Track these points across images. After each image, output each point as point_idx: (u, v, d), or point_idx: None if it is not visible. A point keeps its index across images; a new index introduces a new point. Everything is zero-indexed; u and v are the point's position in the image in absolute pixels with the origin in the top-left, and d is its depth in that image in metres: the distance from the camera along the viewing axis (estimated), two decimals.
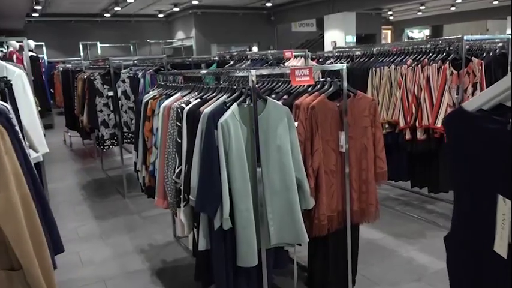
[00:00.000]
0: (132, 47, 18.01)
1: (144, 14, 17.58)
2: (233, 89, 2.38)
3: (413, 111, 3.56)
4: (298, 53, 6.06)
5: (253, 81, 2.18)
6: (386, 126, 3.85)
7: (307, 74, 2.34)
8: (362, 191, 2.65)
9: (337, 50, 4.81)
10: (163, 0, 14.58)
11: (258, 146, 2.22)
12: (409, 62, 3.67)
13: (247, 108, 2.23)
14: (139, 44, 18.38)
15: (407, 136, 3.66)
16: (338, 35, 14.55)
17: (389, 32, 23.98)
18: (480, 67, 3.48)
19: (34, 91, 3.65)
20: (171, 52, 19.05)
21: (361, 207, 2.67)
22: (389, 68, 3.80)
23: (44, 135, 4.84)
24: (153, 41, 18.67)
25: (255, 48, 16.33)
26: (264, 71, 2.40)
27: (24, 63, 9.20)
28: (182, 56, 15.01)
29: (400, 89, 3.66)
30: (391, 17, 22.76)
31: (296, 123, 2.44)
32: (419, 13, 21.02)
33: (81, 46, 16.32)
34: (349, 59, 4.53)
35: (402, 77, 3.65)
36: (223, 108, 2.20)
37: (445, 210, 4.19)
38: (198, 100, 2.50)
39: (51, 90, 11.44)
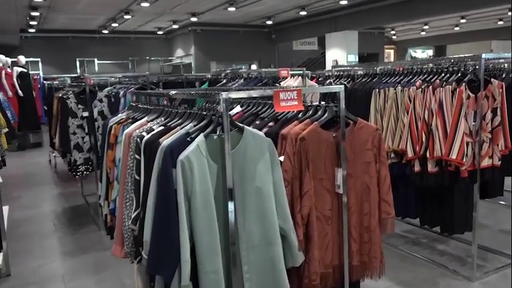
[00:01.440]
0: (130, 64, 17.70)
1: (143, 31, 17.33)
2: (202, 115, 1.91)
3: (424, 139, 3.08)
4: (295, 72, 5.63)
5: (225, 106, 1.71)
6: (392, 155, 3.36)
7: (295, 97, 1.87)
8: (364, 240, 2.15)
9: (337, 68, 4.35)
10: (162, 17, 14.31)
11: (231, 189, 1.74)
12: (418, 83, 3.20)
13: (217, 140, 1.76)
14: (138, 61, 18.09)
15: (416, 168, 3.16)
16: (340, 54, 14.19)
17: (392, 51, 23.70)
18: (501, 90, 3.01)
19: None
20: (170, 69, 18.75)
21: (363, 261, 2.16)
22: (395, 89, 3.33)
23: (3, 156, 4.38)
24: (152, 58, 18.40)
25: (254, 67, 15.99)
26: (240, 94, 1.93)
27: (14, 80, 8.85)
28: (181, 73, 14.68)
29: (408, 114, 3.18)
30: (394, 37, 22.50)
31: (282, 158, 1.96)
32: (423, 33, 20.75)
33: (78, 62, 16.01)
34: (350, 79, 4.08)
35: (410, 100, 3.18)
36: (185, 141, 1.73)
37: (458, 251, 3.67)
38: (162, 128, 2.03)
39: (45, 107, 11.05)
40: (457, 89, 2.89)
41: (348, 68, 4.26)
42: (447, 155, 2.91)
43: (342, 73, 4.24)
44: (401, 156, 3.33)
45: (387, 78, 3.62)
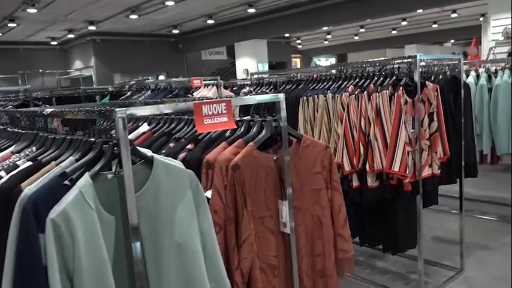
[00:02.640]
0: (20, 79, 15.79)
1: (34, 41, 15.58)
2: (90, 142, 1.30)
3: (361, 151, 2.75)
4: (209, 81, 5.13)
5: (122, 127, 1.14)
6: None
7: (224, 111, 1.36)
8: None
9: (256, 76, 3.93)
10: (55, 25, 12.91)
11: (142, 250, 1.17)
12: (350, 89, 2.88)
13: (113, 181, 1.18)
14: (30, 74, 16.21)
15: (355, 183, 2.82)
16: (250, 63, 14.00)
17: (298, 60, 24.33)
18: (436, 93, 2.80)
19: None
20: (68, 83, 17.11)
21: None
22: (325, 96, 2.98)
23: None
24: (47, 71, 16.63)
25: (161, 78, 15.18)
26: (147, 110, 1.35)
27: None
28: (80, 87, 13.34)
29: (342, 123, 2.83)
30: (300, 46, 23.12)
31: (208, 194, 1.44)
32: (326, 42, 21.57)
33: None
34: (271, 87, 3.67)
35: (344, 108, 2.84)
36: (60, 185, 1.12)
37: (399, 267, 3.42)
38: (29, 164, 1.38)
39: None
40: (395, 94, 2.60)
41: (267, 75, 3.86)
42: (389, 168, 2.60)
43: (261, 80, 3.82)
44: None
45: (314, 85, 3.26)
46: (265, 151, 1.59)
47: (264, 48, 14.24)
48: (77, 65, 16.63)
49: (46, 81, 16.82)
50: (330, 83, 3.16)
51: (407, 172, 2.59)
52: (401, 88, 2.63)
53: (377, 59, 2.93)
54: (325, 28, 16.31)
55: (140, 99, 4.66)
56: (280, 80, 3.77)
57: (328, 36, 19.66)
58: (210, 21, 13.11)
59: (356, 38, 20.57)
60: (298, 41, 21.49)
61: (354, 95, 2.80)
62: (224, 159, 1.44)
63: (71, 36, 14.65)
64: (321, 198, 1.65)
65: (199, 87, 5.04)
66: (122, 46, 15.48)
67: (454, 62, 3.20)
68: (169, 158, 1.33)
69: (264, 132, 1.55)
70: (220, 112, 1.34)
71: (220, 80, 5.36)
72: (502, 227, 4.20)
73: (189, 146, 1.70)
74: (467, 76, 4.09)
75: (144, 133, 2.11)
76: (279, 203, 1.57)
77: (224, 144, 1.55)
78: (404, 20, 15.19)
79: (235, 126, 1.45)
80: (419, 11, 12.86)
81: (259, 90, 3.70)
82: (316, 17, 11.81)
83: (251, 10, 11.61)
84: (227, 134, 1.66)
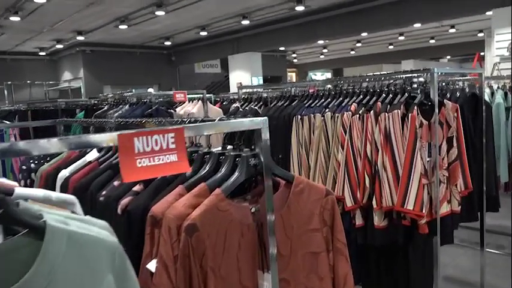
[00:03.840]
0: (6, 90, 15.27)
1: (22, 51, 15.12)
2: None
3: (367, 183, 2.27)
4: (194, 95, 4.67)
5: None
6: None
7: (173, 145, 0.87)
8: None
9: (244, 90, 3.47)
10: (42, 35, 12.46)
11: None
12: (353, 107, 2.41)
13: None
14: (18, 85, 15.71)
15: (358, 221, 2.34)
16: (244, 76, 13.58)
17: (294, 74, 24.02)
18: (456, 114, 2.34)
19: None
20: (56, 95, 16.59)
21: None
22: (323, 115, 2.51)
23: None
24: (36, 82, 16.12)
25: (150, 90, 14.73)
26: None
27: None
28: (69, 99, 12.84)
29: (343, 149, 2.36)
30: (295, 60, 22.82)
31: (153, 266, 0.95)
32: (322, 56, 21.29)
33: None
34: (261, 103, 3.20)
35: (345, 131, 2.36)
36: None
37: None
38: None
39: None
40: (409, 115, 2.13)
41: (258, 89, 3.39)
42: (401, 205, 2.12)
43: (250, 96, 3.35)
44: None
45: (310, 101, 2.80)
46: (241, 198, 1.11)
47: (258, 61, 13.85)
48: (66, 76, 16.16)
49: (34, 92, 16.33)
50: (329, 99, 2.69)
51: (423, 211, 2.10)
52: (415, 107, 2.17)
53: (384, 73, 2.47)
54: (321, 42, 15.99)
55: (116, 114, 4.18)
56: (272, 95, 3.31)
57: (324, 51, 19.37)
58: (203, 33, 12.72)
59: (352, 52, 20.31)
60: (294, 55, 21.19)
61: (357, 115, 2.33)
62: (175, 215, 0.96)
63: (60, 46, 14.20)
64: (319, 266, 1.17)
65: (184, 102, 4.58)
66: (113, 57, 15.04)
67: (473, 77, 2.75)
68: (84, 218, 0.84)
69: (237, 173, 1.07)
70: (165, 148, 0.86)
71: (212, 93, 4.87)
72: None
73: (137, 188, 1.21)
74: None
75: (90, 163, 1.63)
76: (258, 275, 1.08)
77: (180, 190, 1.06)
78: (401, 34, 14.92)
79: (189, 169, 0.96)
80: (417, 25, 12.55)
81: (247, 106, 3.23)
82: (312, 30, 11.46)
83: (245, 22, 11.24)
84: (188, 172, 1.17)
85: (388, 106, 2.28)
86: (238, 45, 13.53)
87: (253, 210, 1.08)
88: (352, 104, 2.46)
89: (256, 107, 3.11)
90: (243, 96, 3.43)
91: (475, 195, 2.59)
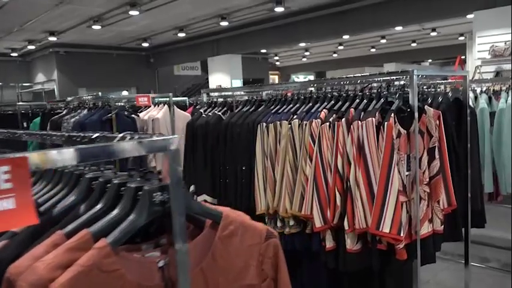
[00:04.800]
0: None
1: None
2: None
3: (338, 201, 1.98)
4: (161, 99, 4.35)
5: None
6: (292, 223, 2.23)
7: (8, 185, 0.55)
8: None
9: (215, 94, 3.16)
10: (12, 35, 11.93)
11: None
12: (322, 114, 2.13)
13: None
14: None
15: (329, 244, 2.06)
16: (224, 79, 13.27)
17: (276, 77, 23.81)
18: (438, 121, 2.07)
19: None
20: (30, 97, 16.01)
21: None
22: (289, 123, 2.22)
23: None
24: (11, 84, 15.52)
25: (125, 93, 14.30)
26: None
27: None
28: (42, 101, 12.30)
29: (312, 162, 2.07)
30: (278, 63, 22.63)
31: None
32: (304, 59, 21.14)
33: None
34: (225, 108, 2.90)
35: (314, 141, 2.08)
36: None
37: None
38: None
39: None
40: (385, 123, 1.86)
41: (226, 93, 3.09)
42: (376, 227, 1.84)
43: (213, 100, 3.04)
44: (304, 224, 2.20)
45: (278, 107, 2.50)
46: (143, 244, 0.80)
47: (238, 63, 13.55)
48: (40, 78, 15.59)
49: (6, 94, 15.73)
50: (298, 105, 2.40)
51: (401, 234, 1.82)
52: (392, 114, 1.89)
53: (359, 75, 2.19)
54: (303, 45, 15.80)
55: (72, 120, 3.83)
56: (241, 98, 3.02)
57: (307, 53, 19.21)
58: (181, 35, 12.37)
59: (335, 55, 20.24)
60: (276, 58, 20.99)
61: (327, 123, 2.04)
62: (31, 282, 0.65)
63: (32, 47, 13.66)
64: None
65: (148, 106, 4.25)
66: (88, 59, 14.54)
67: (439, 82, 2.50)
68: None
69: (134, 215, 0.76)
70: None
71: (193, 97, 4.55)
72: (506, 280, 3.49)
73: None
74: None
75: None
76: None
77: (57, 238, 0.75)
78: (383, 38, 14.85)
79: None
80: (399, 28, 12.44)
81: (211, 112, 2.92)
82: (292, 32, 11.22)
83: (224, 23, 10.92)
84: (82, 208, 0.86)
85: (362, 113, 2.00)
86: (218, 47, 13.22)
87: (161, 264, 0.77)
88: (322, 110, 2.18)
89: (220, 113, 2.80)
90: (207, 100, 3.12)
91: (459, 211, 2.33)
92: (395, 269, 2.01)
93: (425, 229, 2.03)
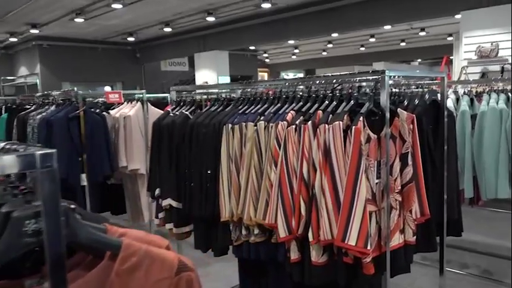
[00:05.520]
0: None
1: None
2: None
3: (302, 210, 1.85)
4: (137, 94, 4.19)
5: None
6: (256, 231, 2.09)
7: None
8: None
9: (177, 91, 3.00)
10: None
11: None
12: (289, 116, 1.99)
13: None
14: None
15: (293, 255, 1.92)
16: (210, 75, 13.09)
17: (266, 74, 23.67)
18: (412, 125, 1.94)
19: None
20: (12, 91, 15.66)
21: None
22: (255, 125, 2.08)
23: None
24: None
25: (108, 88, 14.04)
26: None
27: None
28: (26, 95, 12.00)
29: (277, 167, 1.93)
30: (267, 60, 22.47)
31: None
32: (294, 57, 21.02)
33: None
34: (193, 107, 2.74)
35: (279, 145, 1.94)
36: None
37: None
38: None
39: None
40: (353, 127, 1.72)
41: (192, 90, 2.93)
42: (341, 240, 1.71)
43: (183, 98, 2.89)
44: (270, 232, 2.06)
45: (246, 107, 2.36)
46: (27, 279, 0.65)
47: (225, 60, 13.38)
48: (22, 71, 15.25)
49: None
50: (266, 105, 2.26)
51: (368, 247, 1.69)
52: (361, 118, 1.75)
53: (329, 74, 2.05)
54: (291, 42, 15.68)
55: (38, 117, 3.65)
56: (210, 96, 2.86)
57: (296, 51, 19.08)
58: (167, 30, 12.14)
59: (324, 53, 20.14)
60: (266, 55, 20.83)
61: (294, 126, 1.90)
62: None
63: (14, 39, 13.32)
64: None
65: (120, 103, 4.07)
66: (72, 53, 14.24)
67: (427, 82, 2.38)
68: None
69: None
70: None
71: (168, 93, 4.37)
72: (485, 287, 3.40)
73: None
74: None
75: None
76: None
77: None
78: (372, 36, 14.78)
79: None
80: (388, 27, 12.37)
81: (178, 110, 2.76)
82: (280, 29, 11.07)
83: (210, 18, 10.73)
84: None
85: (331, 116, 1.86)
86: (205, 43, 13.02)
87: None
88: (289, 112, 2.03)
89: (187, 112, 2.65)
90: (176, 98, 2.96)
91: (435, 219, 2.21)
92: (363, 283, 1.88)
93: (396, 240, 1.91)
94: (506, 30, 6.55)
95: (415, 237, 1.97)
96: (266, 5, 9.52)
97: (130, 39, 13.95)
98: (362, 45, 17.82)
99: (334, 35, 13.81)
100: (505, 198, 3.08)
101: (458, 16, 7.66)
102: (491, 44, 6.62)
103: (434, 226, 2.14)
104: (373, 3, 9.01)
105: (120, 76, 15.77)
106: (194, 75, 16.91)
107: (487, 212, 5.16)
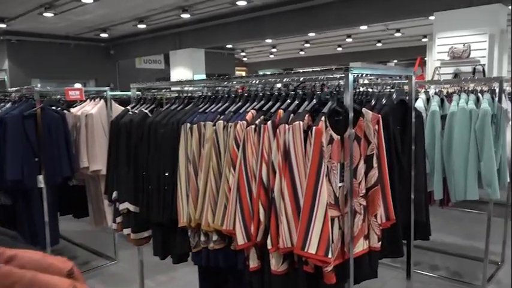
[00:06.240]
0: None
1: None
2: None
3: (261, 216, 1.74)
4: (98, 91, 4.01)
5: None
6: (215, 237, 1.97)
7: None
8: None
9: (137, 88, 2.85)
10: None
11: None
12: (249, 116, 1.87)
13: None
14: None
15: (253, 263, 1.81)
16: (186, 74, 12.89)
17: (243, 73, 23.54)
18: (377, 126, 1.85)
19: None
20: None
21: None
22: (214, 124, 1.96)
23: None
24: None
25: (77, 85, 13.67)
26: None
27: None
28: None
29: (235, 170, 1.81)
30: (245, 59, 22.37)
31: None
32: (272, 56, 20.99)
33: None
34: (154, 105, 2.60)
35: (238, 146, 1.82)
36: None
37: None
38: None
39: None
40: (313, 128, 1.61)
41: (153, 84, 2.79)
42: (301, 248, 1.60)
43: (144, 95, 2.74)
44: (229, 239, 1.95)
45: (207, 105, 2.23)
46: None
47: (201, 58, 13.19)
48: None
49: None
50: (227, 103, 2.13)
51: (329, 256, 1.59)
52: (323, 118, 1.65)
53: (292, 71, 1.94)
54: (269, 41, 15.61)
55: None
56: (172, 94, 2.72)
57: (274, 50, 19.05)
58: (142, 26, 11.87)
59: (302, 53, 20.19)
60: (243, 54, 20.72)
61: (253, 126, 1.79)
62: None
63: None
64: None
65: (82, 101, 3.89)
66: (43, 49, 13.80)
67: (401, 81, 2.30)
68: None
69: None
70: None
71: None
72: None
73: None
74: (415, 99, 3.24)
75: None
76: None
77: None
78: (349, 36, 14.85)
79: None
80: (364, 27, 12.42)
81: (138, 107, 2.61)
82: (257, 27, 10.96)
83: (185, 15, 10.54)
84: None
85: (292, 115, 1.75)
86: (180, 40, 12.80)
87: None
88: (249, 110, 1.92)
89: (147, 110, 2.50)
90: (137, 96, 2.80)
91: (403, 222, 2.13)
92: None
93: (360, 247, 1.82)
94: (478, 31, 6.61)
95: (380, 242, 1.88)
96: (242, 3, 9.40)
97: (104, 35, 13.61)
98: (339, 45, 17.93)
99: (311, 34, 13.81)
100: (474, 199, 3.04)
101: (432, 17, 7.70)
102: (464, 45, 6.67)
103: (401, 230, 2.06)
104: (349, 2, 9.01)
105: (94, 73, 15.39)
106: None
107: (457, 212, 5.18)
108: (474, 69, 6.47)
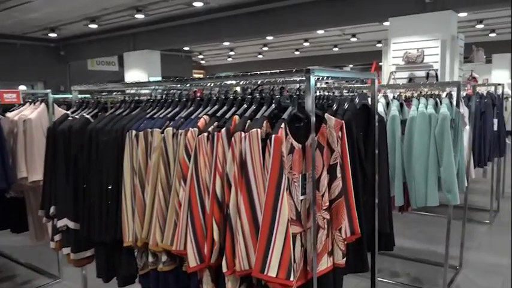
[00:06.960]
0: None
1: None
2: None
3: (215, 235, 1.55)
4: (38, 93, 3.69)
5: None
6: (164, 258, 1.76)
7: None
8: None
9: (77, 90, 2.59)
10: None
11: None
12: (201, 122, 1.68)
13: None
14: None
15: (207, 287, 1.61)
16: (141, 76, 12.46)
17: (201, 76, 23.24)
18: (340, 133, 1.72)
19: None
20: None
21: None
22: (163, 132, 1.75)
23: None
24: None
25: (22, 87, 12.91)
26: None
27: None
28: None
29: (186, 183, 1.62)
30: (203, 61, 22.09)
31: None
32: (230, 59, 20.84)
33: None
34: (97, 109, 2.35)
35: (189, 156, 1.63)
36: None
37: None
38: None
39: None
40: (272, 136, 1.45)
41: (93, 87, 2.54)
42: (260, 270, 1.43)
43: (85, 100, 2.48)
44: (181, 259, 1.74)
45: (155, 110, 2.02)
46: None
47: (157, 60, 12.82)
48: None
49: None
50: (178, 108, 1.93)
51: (291, 278, 1.43)
52: (283, 125, 1.49)
53: (248, 73, 1.77)
54: (227, 44, 15.44)
55: None
56: (120, 98, 2.47)
57: (232, 53, 18.91)
58: (93, 26, 11.36)
59: (260, 56, 20.21)
60: (201, 56, 20.43)
61: (206, 134, 1.60)
62: None
63: None
64: None
65: (20, 104, 3.54)
66: None
67: (360, 86, 2.19)
68: None
69: None
70: None
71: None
72: None
73: None
74: None
75: None
76: None
77: None
78: (306, 41, 14.98)
79: None
80: (321, 32, 12.52)
81: (79, 113, 2.35)
82: (213, 29, 10.76)
83: (139, 16, 10.17)
84: None
85: (249, 121, 1.58)
86: (135, 41, 12.36)
87: None
88: (202, 116, 1.73)
89: (89, 115, 2.25)
90: (79, 100, 2.54)
91: (365, 233, 2.01)
92: None
93: (324, 264, 1.67)
94: (430, 37, 6.75)
95: (344, 258, 1.74)
96: (198, 4, 9.19)
97: (53, 35, 12.92)
98: (297, 49, 18.06)
99: (269, 38, 13.78)
100: (434, 205, 3.00)
101: (387, 23, 7.82)
102: (417, 50, 6.78)
103: (365, 244, 1.94)
104: (305, 6, 9.01)
105: (42, 75, 14.59)
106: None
107: (415, 215, 5.22)
108: (427, 73, 6.59)
